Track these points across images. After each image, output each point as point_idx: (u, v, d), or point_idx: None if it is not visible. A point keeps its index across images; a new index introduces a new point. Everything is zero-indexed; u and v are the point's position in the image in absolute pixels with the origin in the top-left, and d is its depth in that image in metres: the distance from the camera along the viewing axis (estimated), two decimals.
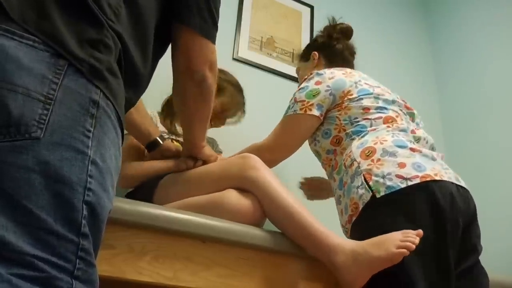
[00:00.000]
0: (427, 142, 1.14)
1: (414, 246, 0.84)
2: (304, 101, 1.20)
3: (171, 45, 0.88)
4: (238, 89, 1.51)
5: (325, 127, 1.21)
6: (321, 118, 1.20)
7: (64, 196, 0.52)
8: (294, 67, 2.05)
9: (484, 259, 1.05)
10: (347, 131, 1.15)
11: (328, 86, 1.20)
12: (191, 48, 0.85)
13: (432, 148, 1.15)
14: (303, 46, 2.08)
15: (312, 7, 2.25)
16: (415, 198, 0.96)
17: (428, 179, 0.97)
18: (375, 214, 0.98)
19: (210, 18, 0.84)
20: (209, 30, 0.85)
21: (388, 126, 1.12)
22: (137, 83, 0.75)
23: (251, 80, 1.88)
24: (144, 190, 1.17)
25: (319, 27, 2.14)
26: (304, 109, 1.19)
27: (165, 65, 0.90)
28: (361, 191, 1.00)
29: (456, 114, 2.32)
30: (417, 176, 0.97)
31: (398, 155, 1.02)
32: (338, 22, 1.53)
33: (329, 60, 1.45)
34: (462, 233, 0.99)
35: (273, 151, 1.16)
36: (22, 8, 0.55)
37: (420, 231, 0.87)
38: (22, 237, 0.48)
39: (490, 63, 2.20)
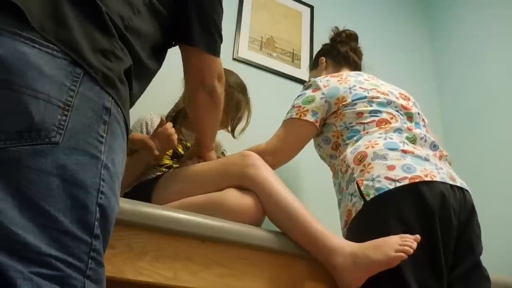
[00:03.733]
0: (425, 141, 1.13)
1: (412, 251, 0.86)
2: (300, 106, 1.24)
3: (183, 62, 0.95)
4: (239, 89, 1.47)
5: (325, 134, 1.24)
6: (316, 124, 1.22)
7: (79, 198, 0.54)
8: (294, 67, 2.05)
9: (483, 256, 1.04)
10: (343, 137, 1.19)
11: (323, 93, 1.23)
12: (202, 66, 0.93)
13: (434, 146, 1.14)
14: (303, 46, 2.09)
15: (312, 7, 2.25)
16: (404, 199, 0.97)
17: (417, 180, 0.98)
18: (366, 217, 1.00)
19: (217, 35, 0.91)
20: (217, 48, 0.92)
21: (381, 128, 1.13)
22: (141, 89, 0.79)
23: (251, 80, 1.87)
24: (142, 189, 1.16)
25: (319, 27, 2.15)
26: (300, 114, 1.23)
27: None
28: (354, 199, 1.03)
29: (456, 114, 2.32)
30: (406, 178, 0.99)
31: (388, 157, 1.04)
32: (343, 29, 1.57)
33: (336, 62, 1.49)
34: (458, 234, 0.99)
35: (275, 155, 1.18)
36: (42, 17, 0.57)
37: (418, 236, 0.89)
38: (40, 237, 0.50)
39: (490, 64, 2.20)
